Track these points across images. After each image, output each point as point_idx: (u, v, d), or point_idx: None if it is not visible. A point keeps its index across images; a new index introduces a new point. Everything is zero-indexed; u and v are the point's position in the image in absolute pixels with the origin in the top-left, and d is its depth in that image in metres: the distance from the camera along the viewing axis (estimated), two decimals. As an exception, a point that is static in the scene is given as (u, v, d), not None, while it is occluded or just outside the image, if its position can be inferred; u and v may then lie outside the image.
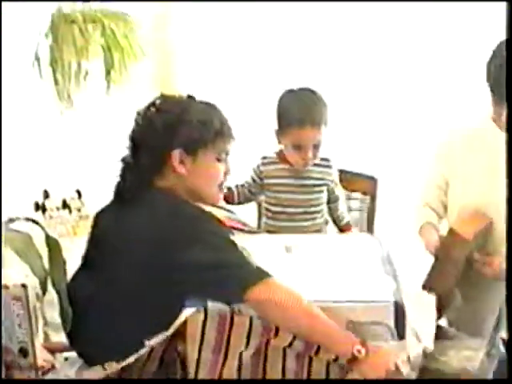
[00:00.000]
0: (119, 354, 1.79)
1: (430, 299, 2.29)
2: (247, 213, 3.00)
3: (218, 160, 1.97)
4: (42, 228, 1.90)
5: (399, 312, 1.78)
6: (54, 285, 1.88)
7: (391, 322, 1.78)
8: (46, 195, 2.95)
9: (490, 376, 1.54)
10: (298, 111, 2.65)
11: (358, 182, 3.02)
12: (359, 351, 1.73)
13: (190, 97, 2.02)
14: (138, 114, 1.97)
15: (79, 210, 2.97)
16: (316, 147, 2.70)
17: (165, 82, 3.67)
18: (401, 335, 1.79)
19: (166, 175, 1.93)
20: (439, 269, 2.27)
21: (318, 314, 1.76)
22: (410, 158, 3.49)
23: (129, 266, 1.82)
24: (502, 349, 1.54)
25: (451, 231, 2.25)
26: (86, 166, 3.34)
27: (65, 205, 2.97)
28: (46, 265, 1.87)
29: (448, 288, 2.27)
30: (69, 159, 3.35)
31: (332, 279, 1.95)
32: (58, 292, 1.87)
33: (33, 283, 1.87)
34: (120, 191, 1.95)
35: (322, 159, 2.77)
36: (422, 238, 2.40)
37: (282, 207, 2.80)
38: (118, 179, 1.96)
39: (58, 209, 2.96)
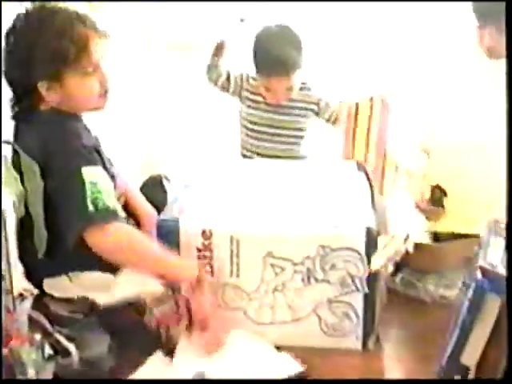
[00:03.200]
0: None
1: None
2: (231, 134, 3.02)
3: (86, 75, 1.90)
4: (19, 149, 1.87)
5: (370, 239, 1.77)
6: (29, 207, 1.86)
7: (362, 249, 1.77)
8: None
9: (465, 305, 1.54)
10: (267, 62, 2.72)
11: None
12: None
13: (44, 15, 1.89)
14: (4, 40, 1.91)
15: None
16: (288, 89, 2.72)
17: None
18: (371, 262, 1.78)
19: (45, 101, 1.89)
20: None
21: (152, 254, 1.77)
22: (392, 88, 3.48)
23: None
24: (479, 275, 1.54)
25: None
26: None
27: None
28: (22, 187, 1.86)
29: None
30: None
31: (305, 204, 1.94)
32: (32, 215, 1.86)
33: (15, 210, 1.88)
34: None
35: (302, 82, 2.79)
36: None
37: (258, 126, 2.85)
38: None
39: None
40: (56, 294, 1.83)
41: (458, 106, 2.38)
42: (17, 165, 1.87)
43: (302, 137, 2.86)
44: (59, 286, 1.85)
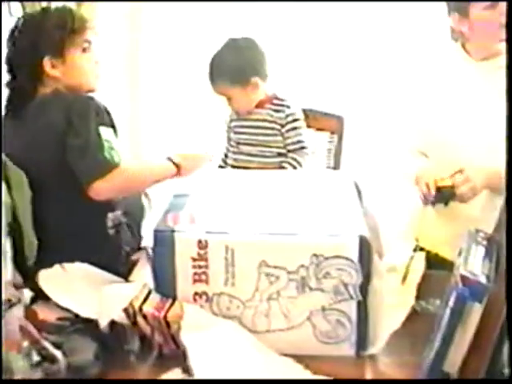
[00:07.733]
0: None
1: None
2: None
3: (84, 50, 2.19)
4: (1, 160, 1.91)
5: (364, 247, 1.79)
6: (18, 217, 1.88)
7: (355, 257, 1.79)
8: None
9: (447, 313, 1.56)
10: (209, 65, 2.75)
11: (324, 121, 3.02)
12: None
13: (44, 9, 2.27)
14: (7, 39, 2.19)
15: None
16: (230, 100, 2.78)
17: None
18: (366, 270, 1.80)
19: (46, 82, 2.15)
20: None
21: (140, 172, 2.17)
22: (377, 97, 3.50)
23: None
24: (460, 284, 1.55)
25: None
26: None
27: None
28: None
29: None
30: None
31: (297, 213, 1.95)
32: (22, 224, 1.88)
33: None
34: (10, 109, 2.18)
35: (278, 102, 2.84)
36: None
37: (240, 145, 2.91)
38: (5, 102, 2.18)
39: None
40: (50, 288, 1.83)
41: (450, 108, 2.42)
42: (4, 177, 1.91)
43: (277, 153, 2.86)
44: (53, 276, 1.87)
